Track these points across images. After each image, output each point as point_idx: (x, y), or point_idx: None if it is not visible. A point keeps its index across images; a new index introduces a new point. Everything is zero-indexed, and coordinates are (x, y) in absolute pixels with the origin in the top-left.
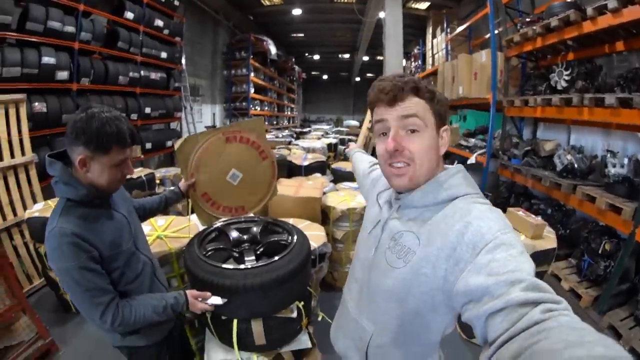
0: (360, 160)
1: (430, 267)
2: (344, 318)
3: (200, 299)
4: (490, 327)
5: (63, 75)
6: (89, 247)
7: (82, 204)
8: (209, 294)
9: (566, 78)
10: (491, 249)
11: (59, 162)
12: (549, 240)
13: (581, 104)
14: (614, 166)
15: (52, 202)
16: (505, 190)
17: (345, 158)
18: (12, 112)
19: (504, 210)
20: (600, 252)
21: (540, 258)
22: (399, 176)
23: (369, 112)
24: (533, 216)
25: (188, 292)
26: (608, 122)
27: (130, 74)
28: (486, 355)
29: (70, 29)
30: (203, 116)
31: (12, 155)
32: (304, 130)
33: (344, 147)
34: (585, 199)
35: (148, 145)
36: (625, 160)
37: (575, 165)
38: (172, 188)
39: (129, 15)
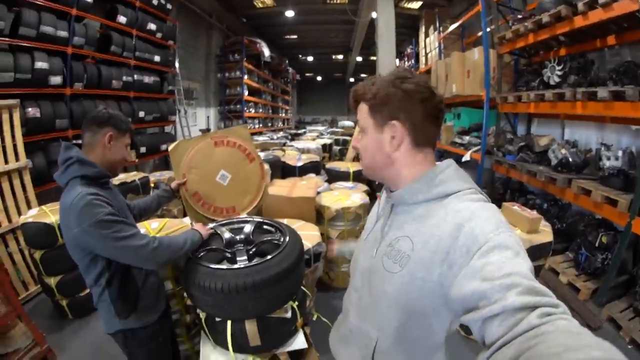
0: None
1: (425, 272)
2: (345, 327)
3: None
4: (487, 331)
5: (56, 80)
6: (110, 204)
7: (93, 181)
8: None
9: (559, 73)
10: (485, 252)
11: (75, 146)
12: (545, 234)
13: (574, 99)
14: (609, 159)
15: (47, 208)
16: (501, 186)
17: (341, 158)
18: (5, 117)
19: (499, 206)
20: (597, 245)
21: (536, 252)
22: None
23: None
24: (528, 210)
25: (195, 225)
26: (601, 116)
27: (124, 78)
28: (483, 357)
29: (63, 33)
30: (197, 119)
31: (6, 161)
32: (299, 131)
33: (339, 148)
34: (580, 193)
35: (142, 149)
36: (620, 153)
37: (570, 160)
38: (164, 188)
39: (122, 19)
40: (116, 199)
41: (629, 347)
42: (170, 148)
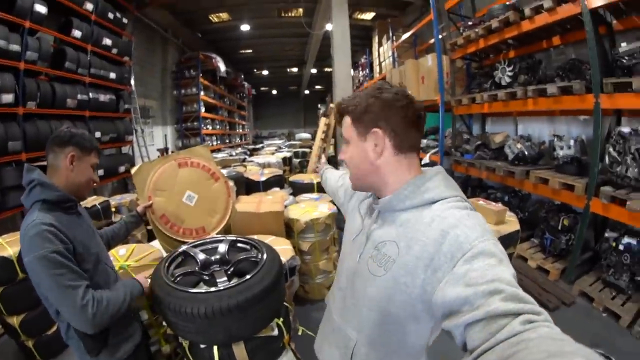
0: (330, 177)
1: (408, 276)
2: (328, 327)
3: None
4: (469, 337)
5: (8, 98)
6: (65, 238)
7: (56, 205)
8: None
9: (509, 74)
10: (469, 258)
11: (37, 168)
12: (512, 223)
13: (525, 96)
14: (562, 149)
15: (3, 240)
16: (461, 184)
17: (301, 170)
18: None
19: None
20: (559, 228)
21: (506, 241)
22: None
23: (321, 123)
24: (493, 203)
25: (137, 276)
26: (552, 110)
27: (79, 96)
28: None
29: (15, 47)
30: (155, 138)
31: None
32: (257, 146)
33: (298, 160)
34: (539, 182)
35: (100, 172)
36: (572, 142)
37: (526, 153)
38: (130, 213)
39: (77, 33)
40: (81, 226)
41: (604, 315)
42: (133, 171)
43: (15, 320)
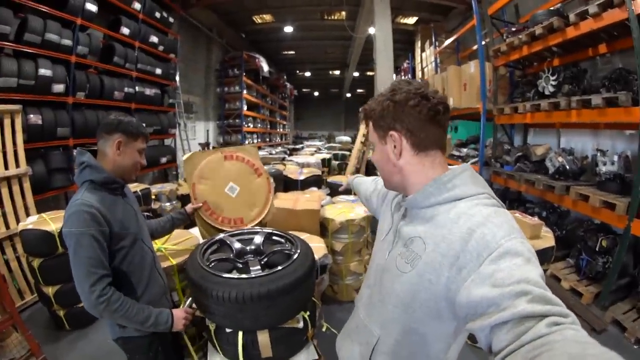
0: (362, 183)
1: (433, 274)
2: (353, 323)
3: (184, 319)
4: (495, 339)
5: (59, 88)
6: (103, 221)
7: (102, 186)
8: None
9: (553, 83)
10: (495, 258)
11: (88, 152)
12: (547, 239)
13: (569, 107)
14: (605, 164)
15: (47, 216)
16: (499, 196)
17: (339, 172)
18: (7, 122)
19: None
20: (597, 249)
21: (539, 257)
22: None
23: (362, 127)
24: (530, 217)
25: (174, 310)
26: (596, 123)
27: (126, 89)
28: None
29: (67, 42)
30: (197, 133)
31: (6, 167)
32: (297, 146)
33: (337, 162)
34: (579, 199)
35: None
36: (615, 158)
37: (567, 167)
38: (179, 210)
39: (125, 30)
40: (124, 207)
41: (635, 347)
42: (184, 157)
43: (50, 290)
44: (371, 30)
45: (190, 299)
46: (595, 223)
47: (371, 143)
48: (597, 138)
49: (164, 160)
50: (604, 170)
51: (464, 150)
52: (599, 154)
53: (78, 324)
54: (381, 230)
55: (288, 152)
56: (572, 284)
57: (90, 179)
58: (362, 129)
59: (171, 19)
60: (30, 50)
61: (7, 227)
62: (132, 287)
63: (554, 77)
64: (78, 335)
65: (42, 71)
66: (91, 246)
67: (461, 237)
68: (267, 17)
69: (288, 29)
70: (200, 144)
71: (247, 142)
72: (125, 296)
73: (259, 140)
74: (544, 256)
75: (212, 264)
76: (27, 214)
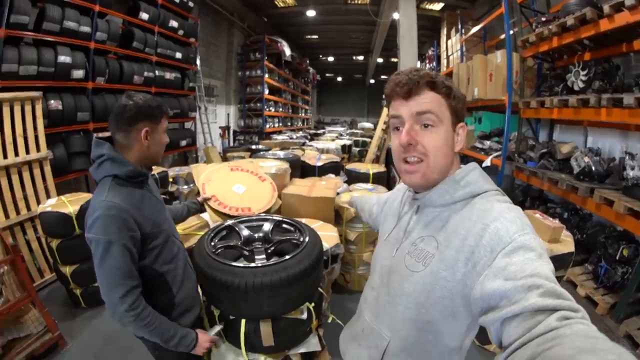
0: (364, 200)
1: (449, 270)
2: (358, 327)
3: (206, 347)
4: (506, 332)
5: (79, 74)
6: (134, 225)
7: (127, 181)
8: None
9: (583, 78)
10: (508, 252)
11: (107, 142)
12: (567, 244)
13: (598, 105)
14: (633, 169)
15: (66, 198)
16: (521, 193)
17: (359, 159)
18: (28, 109)
19: None
20: (617, 257)
21: (557, 263)
22: (412, 173)
23: (383, 114)
24: (550, 219)
25: (200, 334)
26: (626, 123)
27: (145, 73)
28: (500, 358)
29: (86, 29)
30: (217, 117)
31: (27, 151)
32: (318, 132)
33: (358, 149)
34: (602, 203)
35: None
36: None
37: (593, 168)
38: (192, 200)
39: (144, 16)
40: (151, 200)
41: None
42: (193, 167)
43: (67, 270)
44: (395, 16)
45: (218, 326)
46: (618, 230)
47: (429, 119)
48: (626, 140)
49: (183, 143)
50: (631, 175)
51: (487, 142)
52: (627, 157)
53: (94, 302)
54: (383, 231)
55: (309, 137)
56: (588, 292)
57: (113, 174)
58: (384, 115)
59: (191, 4)
60: (49, 39)
61: (29, 209)
62: (167, 286)
63: (584, 72)
64: (93, 314)
65: (62, 58)
66: (122, 256)
67: (476, 233)
68: (290, 1)
69: (311, 12)
70: (220, 127)
71: (267, 125)
72: (155, 309)
73: (280, 124)
74: (561, 262)
75: (219, 250)
76: (48, 196)
